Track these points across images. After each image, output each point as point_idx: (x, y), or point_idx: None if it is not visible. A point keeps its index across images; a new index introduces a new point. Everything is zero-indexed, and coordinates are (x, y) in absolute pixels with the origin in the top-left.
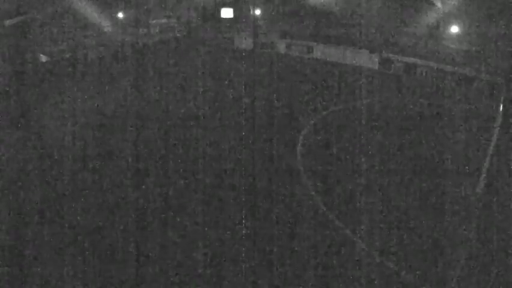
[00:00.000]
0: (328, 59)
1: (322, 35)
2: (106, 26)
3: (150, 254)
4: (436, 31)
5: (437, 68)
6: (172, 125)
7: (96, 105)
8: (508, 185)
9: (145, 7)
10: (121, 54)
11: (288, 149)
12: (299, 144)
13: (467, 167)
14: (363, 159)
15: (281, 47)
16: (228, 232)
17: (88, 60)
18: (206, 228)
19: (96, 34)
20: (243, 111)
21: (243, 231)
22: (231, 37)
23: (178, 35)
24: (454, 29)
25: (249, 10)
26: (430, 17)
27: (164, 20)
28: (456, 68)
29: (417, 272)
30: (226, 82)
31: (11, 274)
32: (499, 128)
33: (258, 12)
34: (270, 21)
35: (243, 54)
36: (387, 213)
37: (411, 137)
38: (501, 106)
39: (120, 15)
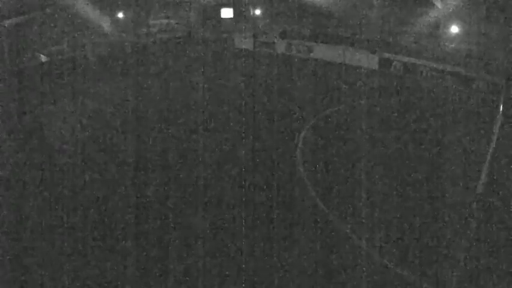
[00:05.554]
0: (328, 59)
1: (322, 35)
2: (106, 26)
3: (150, 254)
4: (436, 31)
5: (437, 68)
6: (172, 124)
7: (96, 105)
8: (508, 185)
9: (145, 7)
10: (121, 54)
11: (288, 149)
12: (299, 145)
13: (467, 167)
14: (363, 159)
15: (281, 47)
16: (228, 232)
17: (88, 60)
18: (205, 228)
19: (96, 34)
20: (243, 111)
21: (243, 231)
22: (231, 37)
23: (178, 35)
24: (454, 29)
25: (249, 10)
26: (430, 17)
27: (164, 20)
28: (456, 68)
29: (417, 272)
30: (226, 82)
31: (11, 274)
32: (499, 128)
33: (258, 12)
34: (270, 21)
35: (243, 54)
36: (387, 213)
37: (411, 137)
38: (501, 106)
39: (120, 15)
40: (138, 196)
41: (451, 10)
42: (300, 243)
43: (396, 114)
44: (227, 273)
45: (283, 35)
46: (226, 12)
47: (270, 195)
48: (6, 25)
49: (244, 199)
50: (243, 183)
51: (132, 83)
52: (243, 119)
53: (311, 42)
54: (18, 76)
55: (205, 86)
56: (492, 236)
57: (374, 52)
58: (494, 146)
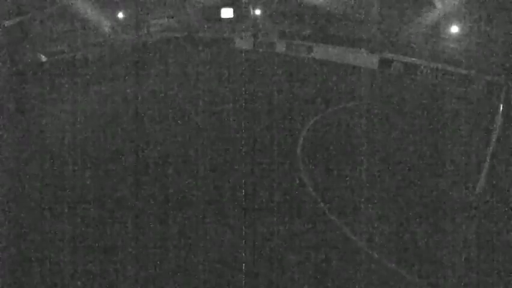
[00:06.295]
0: (328, 59)
1: (322, 35)
2: (106, 26)
3: (150, 254)
4: (436, 31)
5: (437, 68)
6: (172, 124)
7: (96, 105)
8: (508, 185)
9: (145, 7)
10: (121, 54)
11: (288, 149)
12: (299, 144)
13: (467, 167)
14: (363, 159)
15: (281, 47)
16: (228, 231)
17: (88, 60)
18: (206, 228)
19: (96, 34)
20: (243, 111)
21: (243, 231)
22: (231, 37)
23: (178, 35)
24: (454, 29)
25: (249, 10)
26: (430, 17)
27: (164, 20)
28: (456, 68)
29: (417, 272)
30: (226, 82)
31: (12, 274)
32: (499, 128)
33: (258, 12)
34: (270, 21)
35: (243, 54)
36: (387, 213)
37: (411, 137)
38: (501, 106)
39: (120, 15)
40: (138, 195)
41: (451, 10)
42: (301, 243)
43: (396, 114)
44: (227, 273)
45: (283, 35)
46: (226, 12)
47: (270, 195)
48: (6, 25)
49: (244, 198)
50: (243, 183)
51: (132, 83)
52: (243, 118)
53: (311, 42)
54: (18, 76)
55: (205, 86)
56: (492, 236)
57: (374, 52)
58: (494, 146)
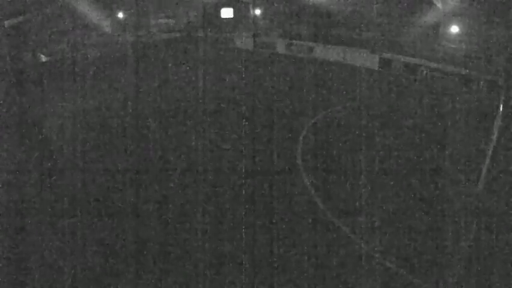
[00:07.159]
0: (328, 59)
1: (322, 35)
2: (106, 26)
3: (149, 254)
4: (436, 31)
5: (437, 68)
6: (172, 125)
7: (96, 105)
8: (508, 185)
9: (145, 7)
10: (121, 54)
11: (288, 149)
12: (299, 145)
13: (467, 167)
14: (363, 159)
15: (281, 47)
16: (227, 232)
17: (88, 60)
18: (205, 228)
19: (96, 34)
20: (243, 111)
21: (242, 231)
22: (231, 37)
23: (178, 35)
24: (454, 29)
25: (249, 10)
26: (430, 17)
27: (164, 20)
28: (456, 68)
29: (417, 272)
30: (226, 82)
31: (11, 274)
32: (498, 128)
33: (258, 12)
34: (270, 21)
35: (243, 54)
36: (387, 213)
37: (411, 137)
38: (501, 106)
39: (120, 15)
40: (137, 195)
41: (451, 10)
42: (300, 243)
43: (396, 114)
44: (227, 273)
45: (283, 35)
46: (226, 12)
47: (270, 195)
48: (6, 25)
49: (243, 199)
50: (243, 183)
51: (132, 83)
52: (243, 119)
53: (311, 42)
54: (18, 76)
55: (205, 86)
56: (492, 236)
57: (374, 52)
58: (494, 145)
